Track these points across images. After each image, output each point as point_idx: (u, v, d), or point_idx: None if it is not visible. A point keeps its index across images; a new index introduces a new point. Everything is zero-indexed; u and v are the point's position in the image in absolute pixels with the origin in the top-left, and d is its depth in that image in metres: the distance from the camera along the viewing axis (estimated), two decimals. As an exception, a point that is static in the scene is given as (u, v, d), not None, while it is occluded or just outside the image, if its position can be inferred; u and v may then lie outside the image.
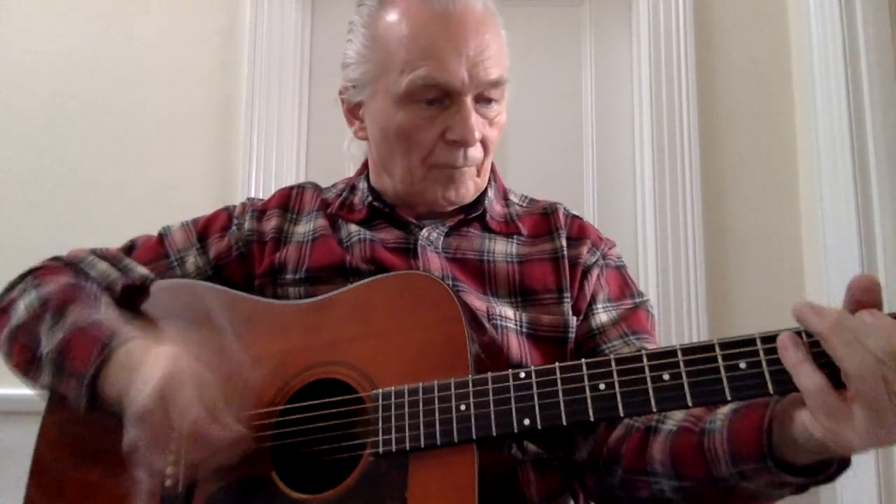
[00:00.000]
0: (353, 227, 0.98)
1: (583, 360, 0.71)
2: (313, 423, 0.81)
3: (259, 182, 1.97)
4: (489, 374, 0.73)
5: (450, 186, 0.94)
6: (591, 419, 0.69)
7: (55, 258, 1.02)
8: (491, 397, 0.72)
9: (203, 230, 1.03)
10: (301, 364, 0.83)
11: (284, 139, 2.01)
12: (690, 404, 0.66)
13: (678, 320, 1.89)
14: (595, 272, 0.96)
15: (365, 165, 1.05)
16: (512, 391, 0.72)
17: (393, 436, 0.74)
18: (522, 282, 0.93)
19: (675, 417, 0.80)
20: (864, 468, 1.64)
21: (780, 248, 1.93)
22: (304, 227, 1.00)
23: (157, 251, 1.02)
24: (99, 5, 2.04)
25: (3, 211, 1.95)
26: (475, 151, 0.93)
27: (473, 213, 0.98)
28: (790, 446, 0.66)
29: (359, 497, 0.74)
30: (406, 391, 0.75)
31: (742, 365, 0.64)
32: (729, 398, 0.65)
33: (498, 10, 0.98)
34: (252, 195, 1.91)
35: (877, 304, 0.60)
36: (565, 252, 0.96)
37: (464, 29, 0.90)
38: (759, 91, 1.99)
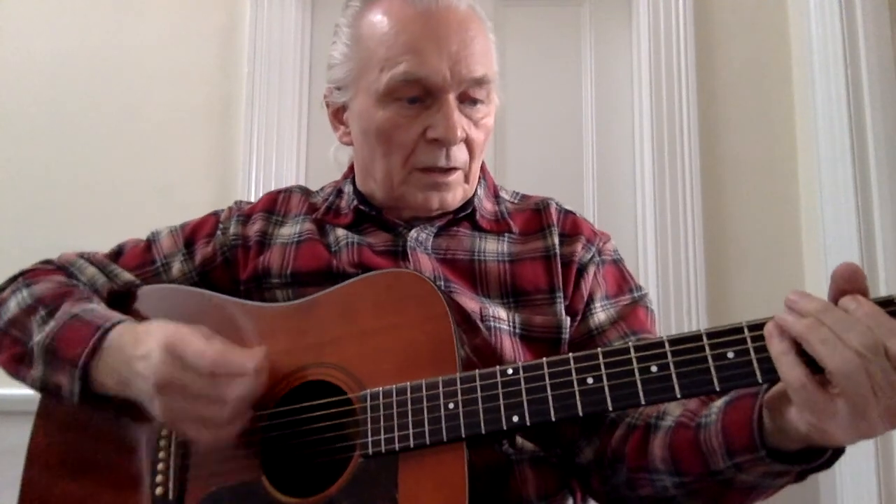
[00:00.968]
0: (341, 232, 0.97)
1: (570, 355, 0.71)
2: (303, 426, 0.80)
3: (259, 182, 1.97)
4: (477, 372, 0.73)
5: (432, 193, 0.93)
6: (580, 413, 0.69)
7: (46, 261, 1.02)
8: (479, 395, 0.72)
9: (190, 236, 1.03)
10: (289, 367, 0.83)
11: (284, 139, 2.01)
12: (679, 395, 0.66)
13: (678, 319, 1.89)
14: (591, 270, 0.94)
15: (351, 168, 1.04)
16: (500, 388, 0.72)
17: (382, 436, 0.74)
18: (514, 282, 0.92)
19: (674, 413, 0.80)
20: (864, 468, 1.63)
21: (780, 248, 1.92)
22: (289, 230, 0.99)
23: (143, 257, 1.02)
24: (99, 5, 2.05)
25: (3, 211, 1.96)
26: (459, 152, 0.92)
27: (462, 213, 0.97)
28: (780, 434, 0.65)
29: (349, 499, 0.74)
30: (394, 391, 0.75)
31: (730, 354, 0.64)
32: (718, 388, 0.64)
33: (492, 12, 0.97)
34: (252, 195, 1.92)
35: (861, 292, 0.59)
36: (557, 250, 0.94)
37: (445, 26, 0.89)
38: (759, 91, 1.99)
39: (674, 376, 0.66)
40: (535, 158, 2.05)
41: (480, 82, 0.91)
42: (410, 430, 0.73)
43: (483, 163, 1.03)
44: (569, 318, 0.91)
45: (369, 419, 0.75)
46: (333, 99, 0.98)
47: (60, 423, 0.92)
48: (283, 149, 2.01)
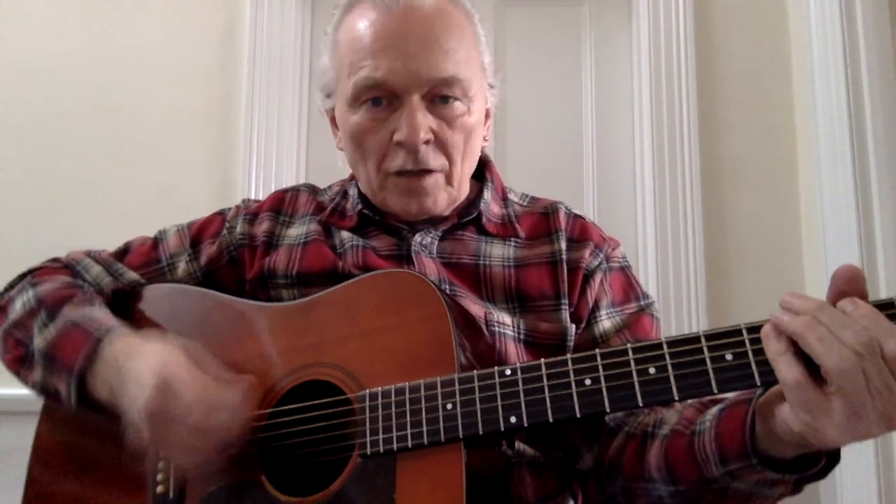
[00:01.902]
0: (346, 234, 0.96)
1: (568, 356, 0.71)
2: (302, 425, 0.81)
3: (259, 182, 1.98)
4: (475, 373, 0.73)
5: (410, 197, 0.91)
6: (578, 415, 0.68)
7: (54, 259, 1.02)
8: (477, 395, 0.72)
9: (196, 235, 1.03)
10: (289, 366, 0.83)
11: (284, 139, 2.01)
12: (677, 398, 0.65)
13: (678, 320, 1.89)
14: (598, 277, 0.93)
15: None
16: (498, 389, 0.71)
17: (380, 436, 0.74)
18: (519, 287, 0.91)
19: (670, 422, 0.79)
20: (864, 468, 1.63)
21: (780, 247, 1.92)
22: (297, 231, 0.99)
23: (149, 255, 1.02)
24: (99, 6, 2.05)
25: (4, 211, 1.96)
26: (430, 154, 0.89)
27: (468, 217, 0.96)
28: (773, 441, 0.65)
29: (347, 499, 0.74)
30: (393, 391, 0.75)
31: (728, 356, 0.63)
32: (716, 390, 0.64)
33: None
34: (252, 195, 1.92)
35: (860, 294, 0.59)
36: (564, 255, 0.92)
37: (403, 26, 0.87)
38: (759, 91, 1.99)
39: (671, 378, 0.66)
40: (535, 158, 2.05)
41: (448, 82, 0.88)
42: (409, 431, 0.73)
43: (491, 164, 1.03)
44: (574, 325, 0.91)
45: (368, 419, 0.75)
46: (325, 106, 1.00)
47: (63, 422, 0.92)
48: (283, 149, 2.01)
